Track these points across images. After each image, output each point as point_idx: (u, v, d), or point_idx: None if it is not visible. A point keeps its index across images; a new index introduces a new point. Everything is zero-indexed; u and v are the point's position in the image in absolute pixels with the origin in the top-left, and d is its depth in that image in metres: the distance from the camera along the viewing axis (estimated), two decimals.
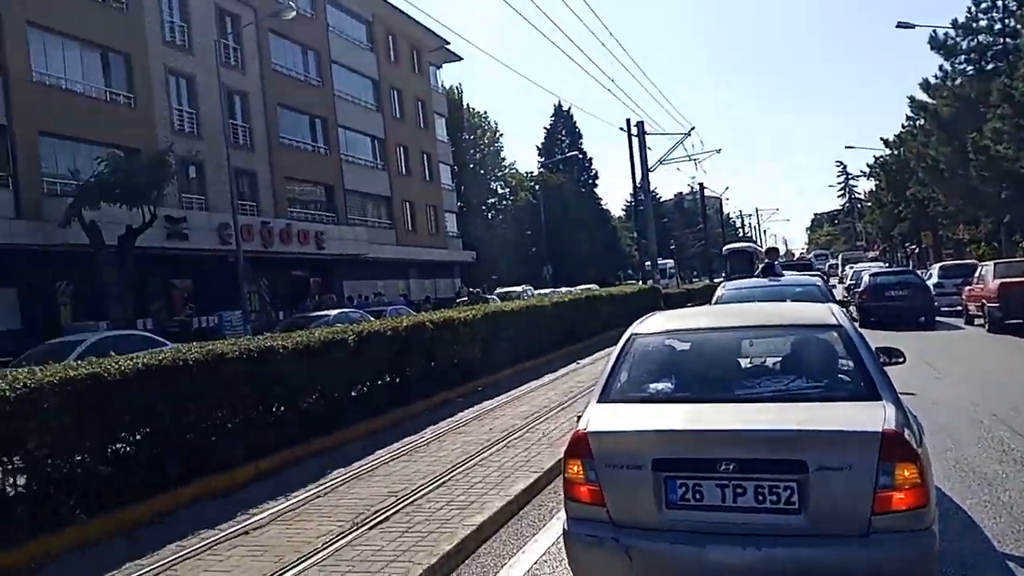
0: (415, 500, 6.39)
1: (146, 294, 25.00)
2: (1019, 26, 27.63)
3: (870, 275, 22.50)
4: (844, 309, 5.51)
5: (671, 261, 55.43)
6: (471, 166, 62.05)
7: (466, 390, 12.44)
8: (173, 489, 6.93)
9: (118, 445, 6.81)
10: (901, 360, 5.61)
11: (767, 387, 4.22)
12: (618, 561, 3.65)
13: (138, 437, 6.98)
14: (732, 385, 4.29)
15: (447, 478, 7.03)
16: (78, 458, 6.22)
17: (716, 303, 10.93)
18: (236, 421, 8.04)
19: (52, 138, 23.64)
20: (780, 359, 4.75)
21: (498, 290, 39.61)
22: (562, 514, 4.03)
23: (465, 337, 13.08)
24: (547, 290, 36.51)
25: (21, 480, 5.88)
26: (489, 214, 64.78)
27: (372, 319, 15.30)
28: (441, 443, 8.72)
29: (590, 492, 3.79)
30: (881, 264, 43.05)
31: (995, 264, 19.19)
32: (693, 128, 38.98)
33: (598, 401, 4.25)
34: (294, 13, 27.19)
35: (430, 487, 6.76)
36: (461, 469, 7.34)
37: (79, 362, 7.01)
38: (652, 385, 4.39)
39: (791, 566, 3.38)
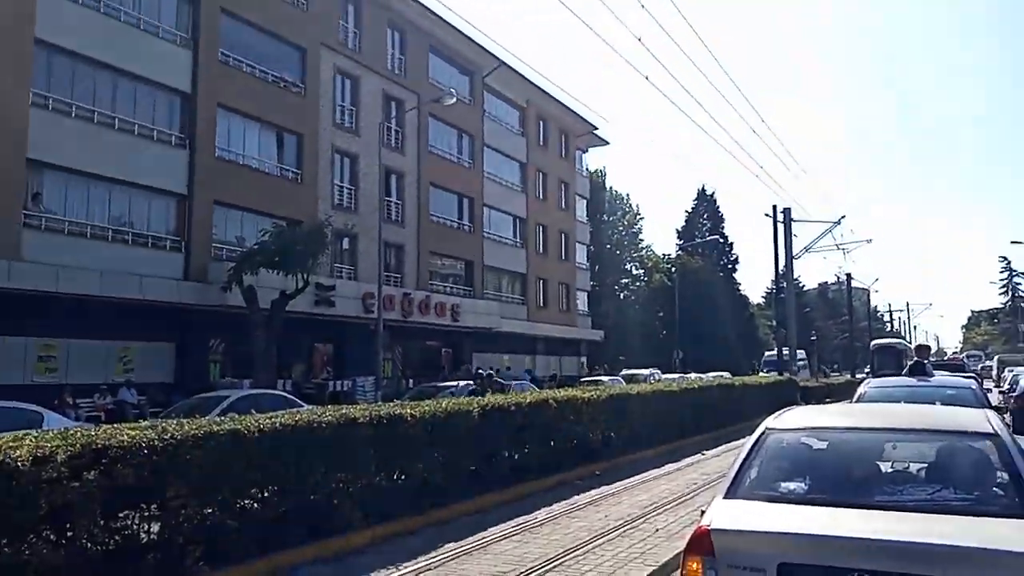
0: None
1: (290, 355, 26.41)
2: None
3: None
4: (1000, 416, 5.16)
5: (802, 352, 51.31)
6: (607, 246, 62.45)
7: (584, 473, 12.25)
8: (293, 547, 7.19)
9: (246, 501, 7.15)
10: None
11: (910, 496, 4.01)
12: None
13: (266, 494, 7.31)
14: (871, 490, 4.11)
15: (558, 564, 6.92)
16: (208, 511, 6.57)
17: (858, 400, 10.51)
18: (359, 485, 8.28)
19: (225, 207, 25.86)
20: (926, 466, 4.48)
21: (624, 371, 39.11)
22: None
23: (587, 418, 12.97)
24: (676, 375, 35.65)
25: (155, 527, 6.27)
26: (622, 294, 64.58)
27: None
28: (555, 526, 8.61)
29: None
30: None
31: None
32: (843, 217, 37.64)
33: (725, 496, 4.13)
34: (454, 100, 28.84)
35: (539, 571, 6.67)
36: (573, 555, 7.21)
37: (221, 418, 7.51)
38: (784, 484, 4.23)
39: None
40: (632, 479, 12.01)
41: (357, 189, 31.19)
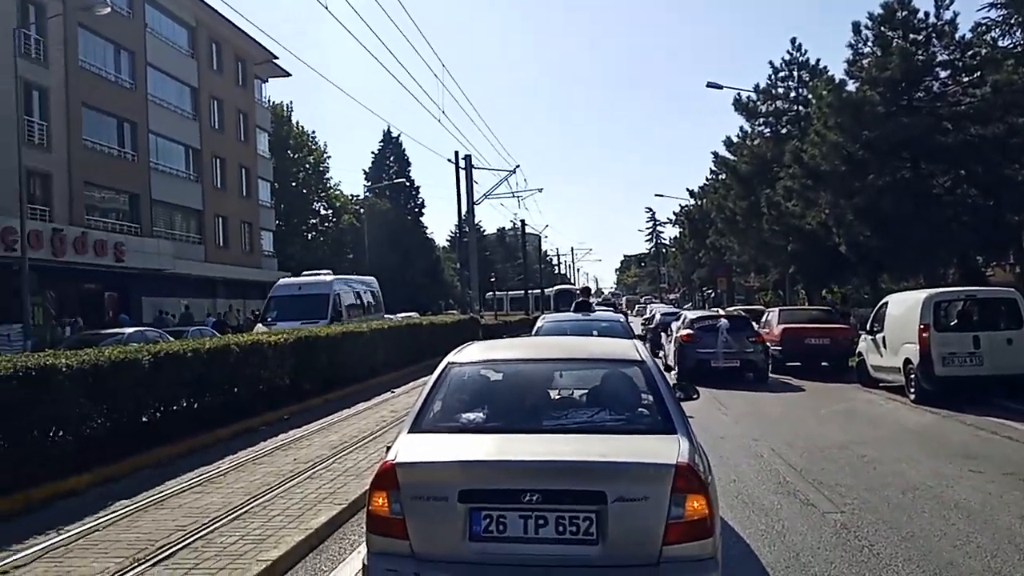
0: (206, 534, 5.98)
1: None
2: (811, 96, 30.71)
3: (661, 314, 30.25)
4: (644, 344, 5.84)
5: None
6: (294, 185, 60.16)
7: (272, 417, 11.90)
8: None
9: None
10: (695, 396, 5.98)
11: (573, 419, 4.31)
12: None
13: None
14: (541, 416, 4.35)
15: (243, 511, 6.65)
16: None
17: (536, 333, 12.26)
18: (4, 445, 7.22)
19: None
20: (587, 392, 4.89)
21: None
22: (364, 548, 3.90)
23: (273, 362, 12.54)
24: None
25: None
26: (309, 235, 62.92)
27: (171, 339, 14.35)
28: (239, 474, 8.26)
29: (394, 525, 3.67)
30: (670, 306, 48.79)
31: (780, 311, 21.12)
32: (518, 166, 40.38)
33: (409, 431, 4.17)
34: (108, 9, 25.22)
35: (223, 520, 6.35)
36: (260, 501, 6.97)
37: None
38: (464, 415, 4.37)
39: None
40: (322, 420, 11.91)
41: None
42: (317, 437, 10.50)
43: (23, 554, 5.66)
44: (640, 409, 4.43)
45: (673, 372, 17.11)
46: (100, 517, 6.58)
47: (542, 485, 3.55)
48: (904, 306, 14.15)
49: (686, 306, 55.89)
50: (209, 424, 10.49)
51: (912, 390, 13.27)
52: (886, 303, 15.25)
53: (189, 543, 5.76)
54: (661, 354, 20.71)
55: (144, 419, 9.48)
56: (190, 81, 40.09)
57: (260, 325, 21.82)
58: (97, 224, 31.68)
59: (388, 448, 4.04)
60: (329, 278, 24.79)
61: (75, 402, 8.08)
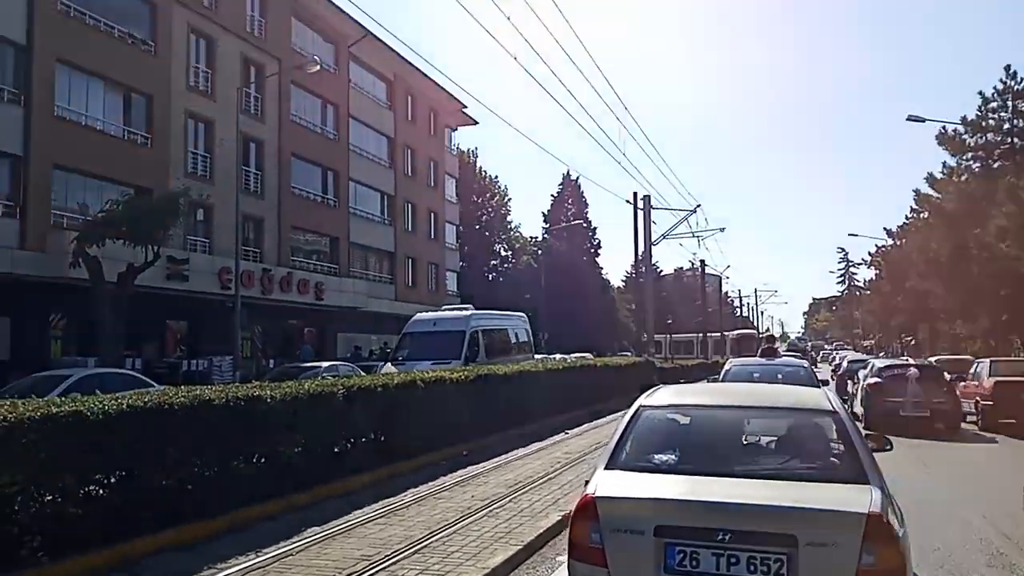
0: (388, 566, 6.24)
1: (140, 333, 24.86)
2: None
3: (848, 361, 31.05)
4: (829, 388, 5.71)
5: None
6: (477, 227, 62.55)
7: (451, 453, 12.27)
8: (143, 536, 6.79)
9: (91, 486, 6.69)
10: (888, 448, 5.75)
11: (764, 464, 4.57)
12: None
13: (113, 480, 6.87)
14: (731, 461, 4.56)
15: (424, 545, 6.89)
16: (48, 498, 6.09)
17: (725, 375, 13.91)
18: (215, 469, 7.94)
19: (66, 172, 23.86)
20: (776, 439, 5.03)
21: None
22: None
23: (455, 399, 12.98)
24: (541, 356, 36.37)
25: None
26: (490, 275, 64.96)
27: (363, 373, 15.24)
28: (421, 507, 8.57)
29: (594, 554, 3.98)
30: (859, 354, 48.74)
31: (991, 362, 19.18)
32: (699, 206, 39.58)
33: (606, 467, 4.52)
34: (318, 67, 27.72)
35: (405, 553, 6.61)
36: (439, 536, 7.19)
37: (62, 398, 6.97)
38: (656, 456, 4.66)
39: None
40: (499, 458, 12.14)
41: (212, 157, 29.57)
42: (493, 475, 10.70)
43: (226, 572, 6.17)
44: (832, 458, 4.54)
45: (860, 419, 16.31)
46: (294, 542, 7.05)
47: (735, 526, 3.76)
48: None
49: (879, 354, 52.20)
50: (394, 457, 10.98)
51: None
52: None
53: (373, 574, 6.03)
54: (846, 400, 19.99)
55: (336, 449, 10.08)
56: (387, 132, 43.01)
57: (389, 365, 19.80)
58: (301, 264, 34.45)
59: (587, 483, 4.38)
60: (467, 313, 22.40)
61: (278, 431, 8.77)
